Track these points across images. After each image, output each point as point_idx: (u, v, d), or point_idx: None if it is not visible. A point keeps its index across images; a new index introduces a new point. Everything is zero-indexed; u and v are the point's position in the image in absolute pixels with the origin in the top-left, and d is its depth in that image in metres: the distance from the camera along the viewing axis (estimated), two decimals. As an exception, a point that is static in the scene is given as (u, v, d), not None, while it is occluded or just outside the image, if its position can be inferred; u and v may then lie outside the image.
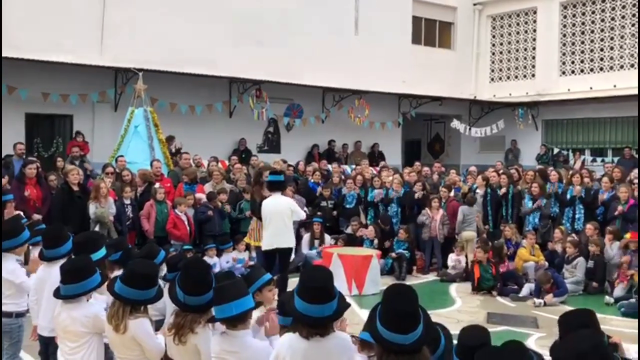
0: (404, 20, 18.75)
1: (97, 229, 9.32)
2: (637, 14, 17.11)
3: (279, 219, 7.73)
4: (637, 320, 7.37)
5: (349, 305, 3.19)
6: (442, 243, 10.91)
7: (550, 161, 17.74)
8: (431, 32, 19.88)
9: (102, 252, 4.49)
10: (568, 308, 8.79)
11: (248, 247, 10.14)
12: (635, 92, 15.86)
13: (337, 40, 16.96)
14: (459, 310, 8.57)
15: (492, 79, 20.43)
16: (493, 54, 20.43)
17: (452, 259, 10.55)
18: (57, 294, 3.86)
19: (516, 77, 19.91)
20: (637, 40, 17.11)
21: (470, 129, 18.55)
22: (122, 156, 11.38)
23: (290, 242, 8.07)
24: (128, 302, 3.51)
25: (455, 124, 18.23)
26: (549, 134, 19.25)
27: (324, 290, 2.95)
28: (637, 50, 17.12)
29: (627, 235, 9.38)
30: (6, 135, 12.08)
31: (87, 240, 4.49)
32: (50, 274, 4.38)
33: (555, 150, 18.60)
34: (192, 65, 14.27)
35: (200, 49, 14.66)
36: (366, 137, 17.87)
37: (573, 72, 18.63)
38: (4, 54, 12.54)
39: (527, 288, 9.26)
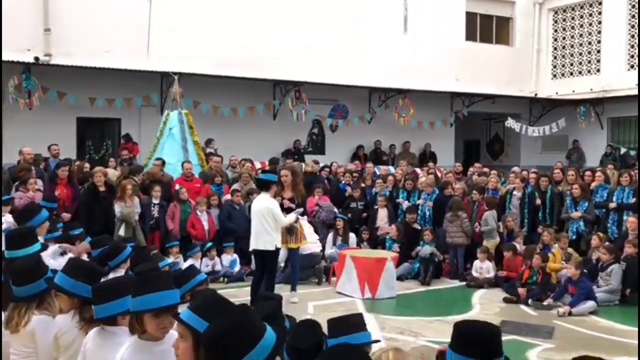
0: (456, 17, 18.18)
1: (122, 228, 9.64)
2: None
3: (257, 219, 7.59)
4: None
5: None
6: (468, 247, 10.42)
7: (617, 162, 16.54)
8: (488, 28, 19.14)
9: (36, 246, 4.49)
10: (596, 319, 8.13)
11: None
12: None
13: (385, 39, 16.69)
14: (472, 317, 8.13)
15: (555, 75, 19.37)
16: (555, 49, 19.37)
17: (476, 265, 10.00)
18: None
19: (580, 72, 18.77)
20: None
21: (527, 128, 17.67)
22: (159, 159, 11.65)
23: (269, 245, 7.66)
24: (23, 299, 3.44)
25: (511, 122, 17.40)
26: (615, 133, 18.00)
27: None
28: None
29: None
30: (59, 138, 12.72)
31: (18, 235, 4.53)
32: None
33: (622, 150, 17.35)
34: (236, 67, 14.45)
35: (244, 51, 14.79)
36: (415, 138, 17.45)
37: (642, 65, 17.32)
38: (53, 61, 13.29)
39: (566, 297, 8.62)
